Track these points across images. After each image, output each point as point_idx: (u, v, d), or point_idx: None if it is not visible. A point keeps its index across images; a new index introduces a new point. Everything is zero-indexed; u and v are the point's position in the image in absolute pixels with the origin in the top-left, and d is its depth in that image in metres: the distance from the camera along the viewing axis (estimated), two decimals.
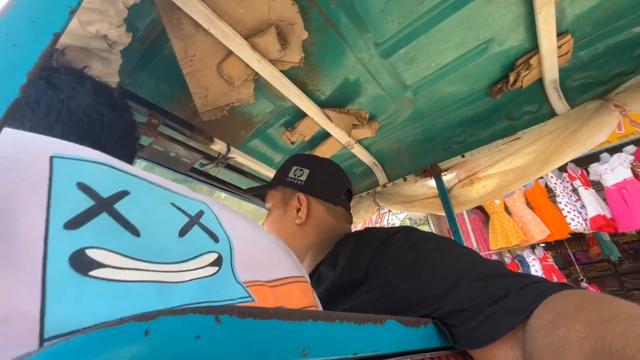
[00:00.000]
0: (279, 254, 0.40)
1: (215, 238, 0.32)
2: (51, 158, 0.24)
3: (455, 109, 1.24)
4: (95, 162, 0.27)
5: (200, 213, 0.34)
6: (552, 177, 3.85)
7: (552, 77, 1.08)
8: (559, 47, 0.98)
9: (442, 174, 1.36)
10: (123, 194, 0.27)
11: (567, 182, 3.76)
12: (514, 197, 4.06)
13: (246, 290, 0.31)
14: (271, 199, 0.87)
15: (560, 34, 0.95)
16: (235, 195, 1.39)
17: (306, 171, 0.84)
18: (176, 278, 0.26)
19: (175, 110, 1.02)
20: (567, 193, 3.76)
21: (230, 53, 0.88)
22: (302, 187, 0.82)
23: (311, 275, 0.71)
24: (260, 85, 1.02)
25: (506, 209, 4.22)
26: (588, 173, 3.64)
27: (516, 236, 3.98)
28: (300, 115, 1.17)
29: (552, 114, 1.17)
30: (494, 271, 0.48)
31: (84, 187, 0.24)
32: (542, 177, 3.89)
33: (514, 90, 1.13)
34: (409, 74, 1.04)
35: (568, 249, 4.67)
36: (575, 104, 1.13)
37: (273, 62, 0.92)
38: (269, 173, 1.42)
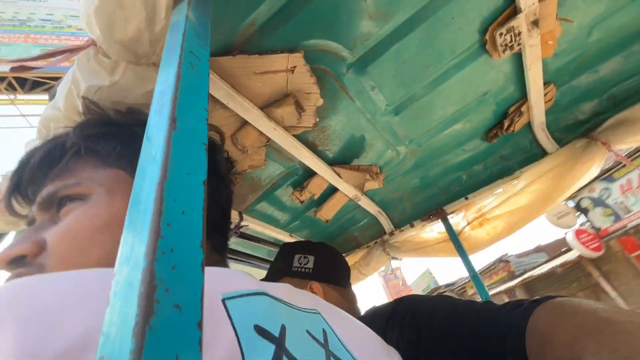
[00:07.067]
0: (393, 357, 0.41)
1: None
2: (223, 301, 0.26)
3: (453, 155, 1.29)
4: (256, 294, 0.29)
5: (325, 335, 0.33)
6: None
7: (540, 120, 1.17)
8: (544, 94, 1.07)
9: (449, 216, 1.37)
10: (284, 329, 0.28)
11: None
12: None
13: None
14: None
15: (544, 84, 1.05)
16: (242, 263, 1.30)
17: (311, 258, 0.82)
18: None
19: None
20: None
21: (244, 123, 0.87)
22: (312, 275, 0.79)
23: None
24: (271, 149, 1.01)
25: None
26: None
27: None
28: (308, 174, 1.16)
29: (543, 152, 1.25)
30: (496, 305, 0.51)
31: (261, 331, 0.26)
32: None
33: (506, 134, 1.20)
34: (414, 129, 1.08)
35: None
36: (563, 142, 1.22)
37: (287, 128, 0.92)
38: (274, 233, 1.36)
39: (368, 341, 0.40)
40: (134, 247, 0.15)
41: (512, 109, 1.12)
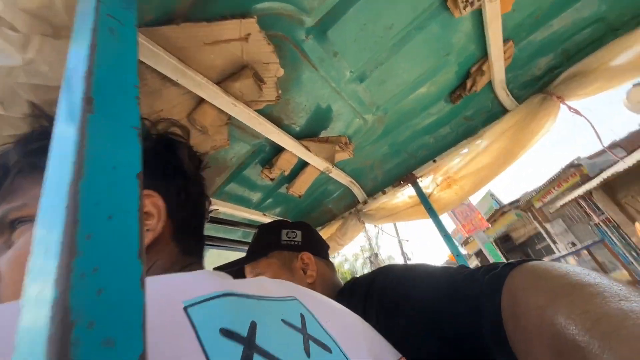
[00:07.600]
0: (371, 335, 0.41)
1: (327, 349, 0.31)
2: (185, 309, 0.24)
3: (420, 119, 1.29)
4: (220, 296, 0.28)
5: (302, 320, 0.33)
6: None
7: (500, 78, 1.18)
8: (504, 52, 1.08)
9: (418, 180, 1.40)
10: (254, 326, 0.27)
11: None
12: None
13: None
14: (267, 268, 0.81)
15: (504, 41, 1.05)
16: (217, 248, 1.27)
17: (298, 232, 0.84)
18: None
19: None
20: None
21: (201, 101, 0.80)
22: (302, 247, 0.81)
23: None
24: (234, 127, 0.95)
25: None
26: None
27: None
28: (276, 150, 1.11)
29: (504, 110, 1.28)
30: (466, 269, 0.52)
31: (227, 334, 0.25)
32: None
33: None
34: (380, 95, 1.06)
35: None
36: (521, 99, 1.26)
37: (248, 103, 0.86)
38: (247, 214, 1.33)
39: (346, 321, 0.41)
40: (41, 273, 0.11)
41: (474, 68, 1.12)
